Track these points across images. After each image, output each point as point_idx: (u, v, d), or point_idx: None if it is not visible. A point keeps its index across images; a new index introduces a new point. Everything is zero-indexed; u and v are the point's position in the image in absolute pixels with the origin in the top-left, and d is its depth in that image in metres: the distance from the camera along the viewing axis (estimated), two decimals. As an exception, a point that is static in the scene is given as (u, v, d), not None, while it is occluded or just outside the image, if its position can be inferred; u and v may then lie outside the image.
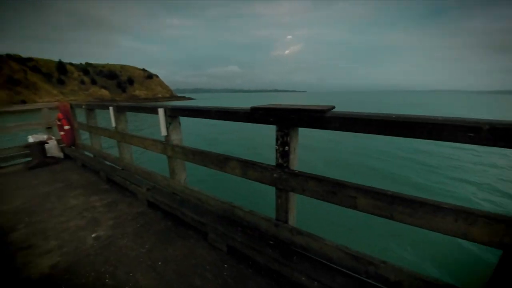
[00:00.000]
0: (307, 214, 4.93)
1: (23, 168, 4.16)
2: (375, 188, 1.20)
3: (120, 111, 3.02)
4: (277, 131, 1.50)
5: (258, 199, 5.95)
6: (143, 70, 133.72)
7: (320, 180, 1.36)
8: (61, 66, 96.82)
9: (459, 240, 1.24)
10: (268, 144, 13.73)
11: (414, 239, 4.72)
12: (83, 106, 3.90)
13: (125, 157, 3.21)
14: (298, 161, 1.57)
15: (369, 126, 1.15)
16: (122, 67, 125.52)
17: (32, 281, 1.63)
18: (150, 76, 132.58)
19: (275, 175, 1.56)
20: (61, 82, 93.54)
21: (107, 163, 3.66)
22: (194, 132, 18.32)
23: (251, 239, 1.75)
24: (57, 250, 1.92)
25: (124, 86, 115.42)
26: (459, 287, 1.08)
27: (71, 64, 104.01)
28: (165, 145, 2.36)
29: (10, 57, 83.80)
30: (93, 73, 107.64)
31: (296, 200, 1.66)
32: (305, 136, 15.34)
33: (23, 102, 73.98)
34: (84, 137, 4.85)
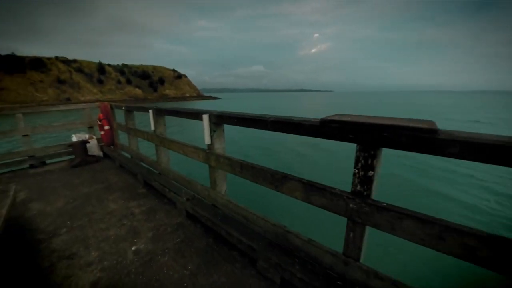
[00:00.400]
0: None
1: (67, 166, 4.32)
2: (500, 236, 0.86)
3: (159, 114, 2.93)
4: (359, 151, 1.20)
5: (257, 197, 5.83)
6: (173, 70, 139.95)
7: (422, 220, 1.03)
8: (101, 67, 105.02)
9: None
10: (292, 149, 13.08)
11: None
12: (123, 108, 3.92)
13: (162, 161, 3.12)
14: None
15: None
16: (154, 67, 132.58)
17: (73, 300, 1.52)
18: (179, 76, 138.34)
19: (351, 205, 1.26)
20: (100, 82, 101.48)
21: (144, 165, 3.62)
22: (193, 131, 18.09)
23: (311, 274, 1.47)
24: (98, 264, 1.82)
25: (156, 86, 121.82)
26: None
27: (109, 65, 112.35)
28: (208, 154, 2.17)
29: (58, 59, 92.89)
30: (128, 73, 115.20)
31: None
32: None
33: (68, 99, 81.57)
34: (122, 137, 4.95)
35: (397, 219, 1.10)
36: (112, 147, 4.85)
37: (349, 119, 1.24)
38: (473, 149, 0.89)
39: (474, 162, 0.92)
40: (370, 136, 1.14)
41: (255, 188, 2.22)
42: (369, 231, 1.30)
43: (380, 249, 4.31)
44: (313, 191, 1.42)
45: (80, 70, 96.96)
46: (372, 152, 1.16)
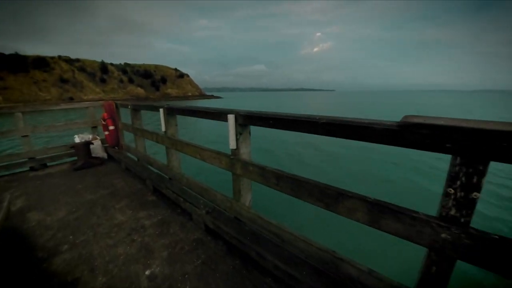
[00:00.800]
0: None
1: (69, 169, 4.03)
2: None
3: (171, 114, 2.62)
4: (459, 165, 0.89)
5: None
6: (175, 69, 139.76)
7: None
8: (103, 66, 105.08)
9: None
10: (294, 149, 11.93)
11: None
12: (129, 106, 3.63)
13: (173, 165, 2.82)
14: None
15: None
16: (156, 67, 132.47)
17: None
18: (181, 75, 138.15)
19: (444, 235, 0.95)
20: (103, 81, 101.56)
21: (152, 169, 3.32)
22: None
23: (376, 318, 1.16)
24: (106, 293, 1.52)
25: (158, 85, 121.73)
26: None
27: (112, 64, 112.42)
28: (233, 161, 1.86)
29: (61, 58, 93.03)
30: (130, 72, 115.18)
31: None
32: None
33: (71, 98, 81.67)
34: (128, 137, 4.66)
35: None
36: (117, 148, 4.56)
37: (442, 122, 0.92)
38: None
39: None
40: (480, 147, 0.83)
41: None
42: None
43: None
44: (383, 214, 1.10)
45: (82, 69, 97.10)
46: (480, 168, 0.85)
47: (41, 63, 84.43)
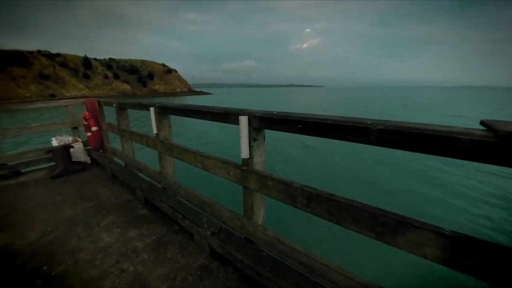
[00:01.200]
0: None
1: (46, 176, 3.56)
2: None
3: (163, 113, 2.24)
4: None
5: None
6: (163, 65, 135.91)
7: None
8: (86, 61, 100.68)
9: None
10: (280, 147, 11.25)
11: None
12: (114, 105, 3.19)
13: (168, 173, 2.44)
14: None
15: None
16: (143, 62, 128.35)
17: None
18: (169, 71, 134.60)
19: None
20: (86, 77, 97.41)
21: (143, 176, 2.93)
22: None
23: None
24: None
25: (145, 81, 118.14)
26: None
27: (95, 59, 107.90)
28: (245, 173, 1.52)
29: (40, 53, 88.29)
30: (115, 68, 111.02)
31: None
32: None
33: (53, 95, 77.96)
34: (114, 139, 4.21)
35: None
36: (101, 151, 4.10)
37: None
38: None
39: None
40: None
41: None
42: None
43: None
44: (469, 252, 0.80)
45: (64, 65, 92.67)
46: None
47: (19, 58, 79.85)
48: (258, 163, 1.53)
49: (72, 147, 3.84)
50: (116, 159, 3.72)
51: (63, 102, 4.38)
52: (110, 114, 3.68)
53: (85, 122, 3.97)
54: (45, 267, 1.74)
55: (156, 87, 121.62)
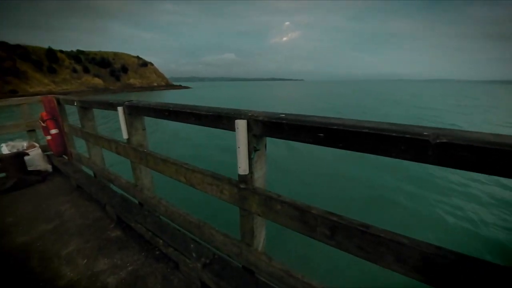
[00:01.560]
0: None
1: (-5, 191, 2.96)
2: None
3: (135, 114, 1.82)
4: None
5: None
6: (137, 57, 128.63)
7: None
8: (51, 53, 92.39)
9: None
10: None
11: None
12: (76, 103, 2.67)
13: (144, 185, 2.04)
14: None
15: None
16: (116, 54, 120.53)
17: None
18: (144, 64, 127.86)
19: None
20: (52, 71, 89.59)
21: (115, 188, 2.49)
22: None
23: None
24: None
25: (118, 75, 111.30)
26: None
27: (61, 51, 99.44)
28: (244, 192, 1.19)
29: (-4, 44, 79.49)
30: (85, 61, 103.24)
31: None
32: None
33: (14, 91, 70.91)
34: (82, 142, 3.65)
35: None
36: (64, 157, 3.53)
37: None
38: None
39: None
40: None
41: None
42: None
43: None
44: None
45: (26, 57, 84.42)
46: None
47: (-30, 50, 71.39)
48: (259, 179, 1.21)
49: (27, 154, 3.24)
50: (84, 167, 3.20)
51: (14, 101, 3.71)
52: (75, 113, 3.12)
53: (42, 124, 3.37)
54: (-22, 326, 1.30)
55: (131, 81, 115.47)
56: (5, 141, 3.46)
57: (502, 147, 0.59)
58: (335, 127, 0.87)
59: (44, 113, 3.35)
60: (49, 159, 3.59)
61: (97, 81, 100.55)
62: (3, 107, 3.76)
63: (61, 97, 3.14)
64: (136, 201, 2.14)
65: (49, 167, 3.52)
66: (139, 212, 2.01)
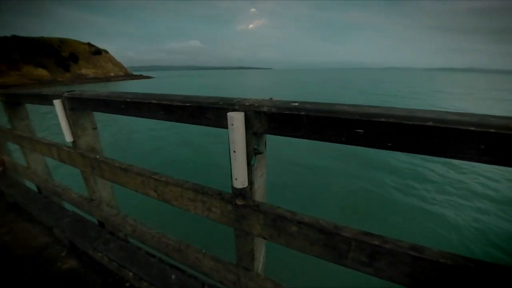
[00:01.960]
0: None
1: None
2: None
3: (79, 108, 1.36)
4: None
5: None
6: (88, 44, 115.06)
7: None
8: (-24, 40, 77.95)
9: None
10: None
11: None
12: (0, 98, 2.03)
13: (101, 198, 1.61)
14: None
15: None
16: (62, 41, 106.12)
17: None
18: (97, 51, 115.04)
19: None
20: (-20, 61, 75.92)
21: (65, 204, 1.98)
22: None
23: None
24: None
25: (67, 64, 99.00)
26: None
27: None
28: (243, 211, 0.88)
29: None
30: (23, 48, 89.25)
31: None
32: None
33: None
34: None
35: None
36: (-4, 167, 2.80)
37: None
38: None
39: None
40: None
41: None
42: None
43: None
44: None
45: None
46: None
47: None
48: (259, 190, 0.91)
49: None
50: (24, 181, 2.55)
51: None
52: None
53: (-44, 126, 2.59)
54: None
55: (83, 71, 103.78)
56: None
57: None
58: (382, 120, 0.60)
59: (-44, 112, 2.56)
60: (-28, 170, 2.82)
61: (42, 72, 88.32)
62: None
63: (-22, 90, 2.40)
64: (95, 221, 1.70)
65: (-27, 181, 2.76)
66: (99, 234, 1.57)
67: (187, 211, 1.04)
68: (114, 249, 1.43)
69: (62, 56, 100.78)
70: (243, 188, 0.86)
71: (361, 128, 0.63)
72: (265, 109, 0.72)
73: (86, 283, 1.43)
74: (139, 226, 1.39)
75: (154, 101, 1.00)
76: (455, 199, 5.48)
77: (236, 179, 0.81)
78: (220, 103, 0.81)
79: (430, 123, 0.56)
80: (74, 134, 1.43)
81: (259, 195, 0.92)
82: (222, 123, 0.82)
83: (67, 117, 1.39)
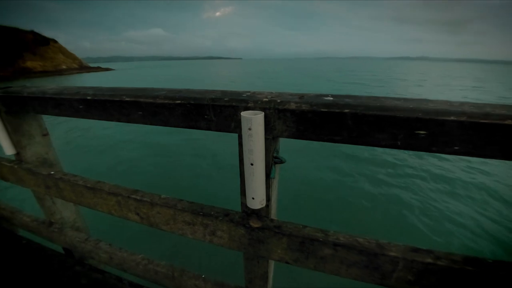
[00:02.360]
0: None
1: None
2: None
3: (20, 111, 1.04)
4: None
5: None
6: (32, 33, 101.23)
7: None
8: None
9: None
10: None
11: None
12: None
13: (64, 220, 1.30)
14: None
15: None
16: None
17: None
18: (44, 41, 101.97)
19: None
20: None
21: (17, 230, 1.60)
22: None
23: None
24: None
25: (8, 56, 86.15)
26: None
27: None
28: (261, 234, 0.70)
29: None
30: None
31: None
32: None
33: None
34: None
35: None
36: None
37: None
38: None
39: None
40: None
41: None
42: None
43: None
44: None
45: None
46: None
47: None
48: (273, 206, 0.74)
49: None
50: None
51: None
52: None
53: None
54: None
55: (29, 64, 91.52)
56: None
57: None
58: (453, 119, 0.46)
59: None
60: None
61: (-26, 65, 75.77)
62: None
63: None
64: (60, 248, 1.38)
65: None
66: (64, 265, 1.27)
67: (183, 236, 0.83)
68: (87, 286, 1.16)
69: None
70: (259, 210, 0.68)
71: (424, 129, 0.48)
72: (293, 106, 0.54)
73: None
74: (117, 252, 1.13)
75: (127, 98, 0.75)
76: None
77: (253, 198, 0.62)
78: (226, 99, 0.60)
79: (509, 121, 0.44)
80: (16, 144, 1.10)
81: (274, 212, 0.75)
82: (228, 126, 0.62)
83: (3, 123, 1.05)
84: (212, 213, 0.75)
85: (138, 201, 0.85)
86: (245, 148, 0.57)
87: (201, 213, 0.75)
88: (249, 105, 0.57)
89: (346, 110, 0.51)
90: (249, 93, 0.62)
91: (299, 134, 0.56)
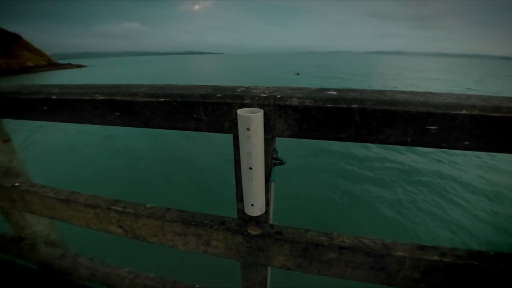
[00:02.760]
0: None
1: None
2: None
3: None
4: None
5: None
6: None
7: None
8: None
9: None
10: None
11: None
12: None
13: (37, 234, 1.17)
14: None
15: None
16: None
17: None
18: (8, 36, 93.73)
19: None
20: None
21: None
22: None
23: None
24: None
25: (-38, 53, 78.02)
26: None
27: None
28: (260, 242, 0.65)
29: None
30: None
31: None
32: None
33: None
34: None
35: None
36: None
37: None
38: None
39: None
40: None
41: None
42: None
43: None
44: None
45: None
46: None
47: None
48: (270, 210, 0.69)
49: None
50: None
51: None
52: None
53: None
54: None
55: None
56: None
57: None
58: (464, 113, 0.43)
59: None
60: None
61: None
62: None
63: None
64: (33, 265, 1.24)
65: None
66: (39, 284, 1.14)
67: (174, 248, 0.76)
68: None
69: (-48, 42, 79.48)
70: (260, 216, 0.62)
71: (435, 124, 0.45)
72: (295, 102, 0.48)
73: None
74: (99, 267, 1.03)
75: (101, 97, 0.66)
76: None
77: (252, 205, 0.57)
78: (218, 95, 0.53)
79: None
80: (-29, 153, 0.95)
81: (272, 216, 0.70)
82: (221, 126, 0.55)
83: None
84: (206, 222, 0.68)
85: (120, 213, 0.76)
86: (242, 151, 0.51)
87: (193, 223, 0.68)
88: (246, 101, 0.51)
89: (354, 106, 0.46)
90: (243, 88, 0.56)
91: (301, 133, 0.51)
